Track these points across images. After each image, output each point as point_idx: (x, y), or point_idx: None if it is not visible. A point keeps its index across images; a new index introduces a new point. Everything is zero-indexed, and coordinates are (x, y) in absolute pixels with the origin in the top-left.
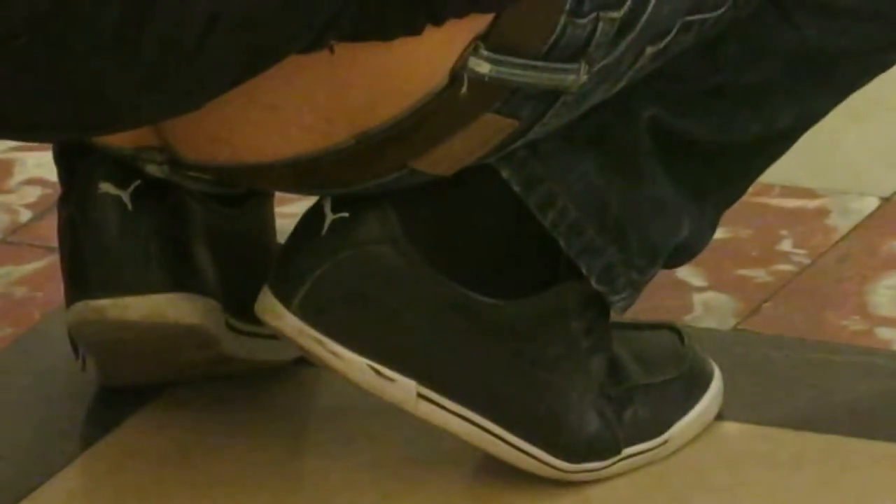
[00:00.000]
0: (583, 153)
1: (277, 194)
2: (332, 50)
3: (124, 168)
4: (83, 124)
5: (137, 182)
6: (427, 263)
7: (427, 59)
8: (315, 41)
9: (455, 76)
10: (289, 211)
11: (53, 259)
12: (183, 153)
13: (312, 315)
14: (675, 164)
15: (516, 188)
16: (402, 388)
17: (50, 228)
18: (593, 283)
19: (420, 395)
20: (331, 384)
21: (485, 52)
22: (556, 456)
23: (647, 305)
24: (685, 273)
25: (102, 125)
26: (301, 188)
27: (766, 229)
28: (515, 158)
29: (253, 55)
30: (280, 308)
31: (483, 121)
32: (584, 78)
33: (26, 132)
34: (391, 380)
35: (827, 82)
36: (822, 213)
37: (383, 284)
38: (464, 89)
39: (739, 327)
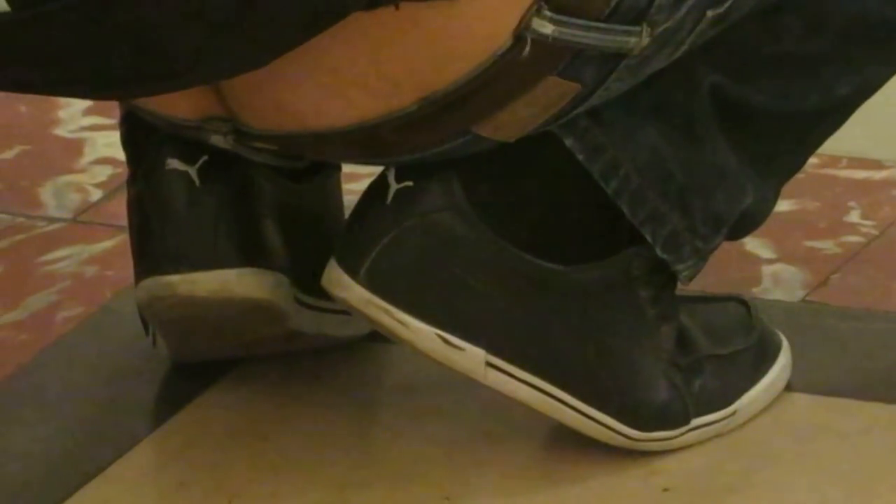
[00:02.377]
0: (645, 121)
1: (344, 170)
2: (396, 6)
3: (191, 144)
4: (141, 77)
5: (204, 157)
6: (492, 231)
7: (490, 19)
8: None
9: (518, 37)
10: (356, 188)
11: (124, 238)
12: (248, 121)
13: (379, 285)
14: (737, 132)
15: (579, 156)
16: (471, 357)
17: (120, 207)
18: (658, 250)
19: (489, 364)
20: (400, 359)
21: (548, 13)
22: (627, 424)
23: (716, 279)
24: (753, 245)
25: (161, 79)
26: (364, 157)
27: (833, 201)
28: (578, 127)
29: (316, 10)
30: (347, 279)
31: (546, 84)
32: (645, 41)
33: (84, 87)
34: (460, 348)
35: (885, 52)
36: (890, 183)
37: (449, 253)
38: (527, 50)
39: (808, 299)
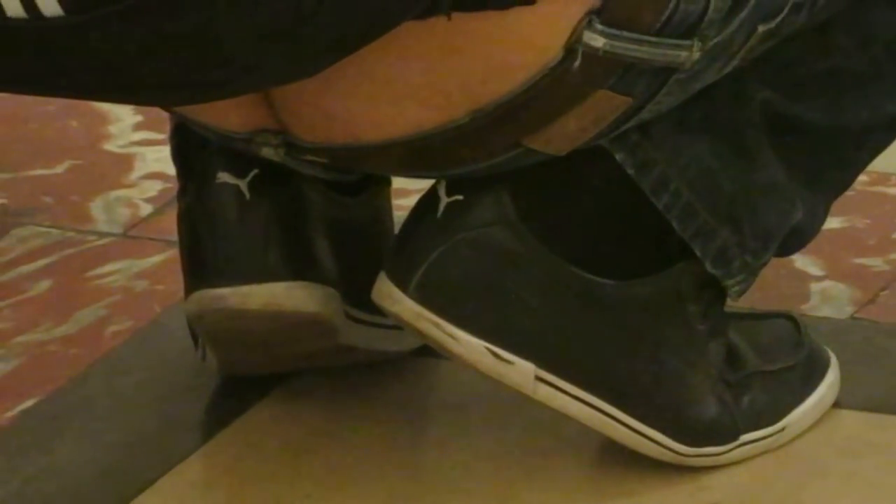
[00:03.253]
0: (695, 136)
1: (394, 186)
2: (448, 16)
3: (241, 158)
4: (197, 84)
5: (255, 171)
6: (542, 245)
7: (542, 31)
8: (432, 5)
9: (570, 50)
10: (406, 203)
11: (174, 253)
12: (299, 134)
13: (429, 298)
14: (787, 148)
15: (630, 171)
16: (521, 371)
17: (170, 222)
18: (708, 266)
19: (538, 378)
20: (450, 374)
21: (599, 26)
22: (676, 440)
23: (765, 295)
24: (802, 262)
25: (216, 85)
26: (415, 170)
27: (883, 218)
28: (628, 141)
29: (369, 18)
30: (397, 293)
31: (597, 97)
32: (696, 55)
33: (138, 94)
34: (509, 362)
35: None
36: None
37: (499, 266)
38: (577, 63)
39: (856, 316)
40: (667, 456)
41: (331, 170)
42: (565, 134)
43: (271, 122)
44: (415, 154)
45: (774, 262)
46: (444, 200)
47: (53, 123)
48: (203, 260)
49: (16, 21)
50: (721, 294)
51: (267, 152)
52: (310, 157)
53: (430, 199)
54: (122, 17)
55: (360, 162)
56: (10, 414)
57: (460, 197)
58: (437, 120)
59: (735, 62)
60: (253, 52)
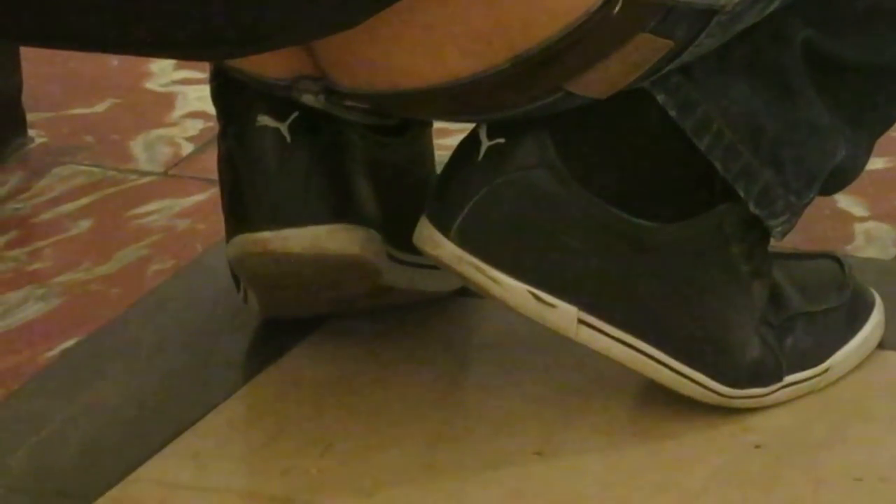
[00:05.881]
0: (737, 77)
1: (436, 126)
2: None
3: (282, 101)
4: (236, 40)
5: (295, 114)
6: (584, 188)
7: None
8: None
9: None
10: (448, 143)
11: (215, 192)
12: (339, 81)
13: (471, 242)
14: (829, 87)
15: (672, 112)
16: (563, 315)
17: (211, 161)
18: (751, 206)
19: (581, 321)
20: (492, 315)
21: None
22: (719, 381)
23: (808, 236)
24: (846, 203)
25: (255, 42)
26: (456, 115)
27: None
28: (670, 83)
29: None
30: (438, 236)
31: (638, 41)
32: None
33: (181, 48)
34: (552, 306)
35: None
36: None
37: (541, 209)
38: (618, 7)
39: None
40: (709, 397)
41: (371, 114)
42: (606, 78)
43: (311, 69)
44: (455, 100)
45: (818, 202)
46: (485, 144)
47: (94, 62)
48: (244, 203)
49: None
50: (764, 235)
51: (307, 99)
52: (350, 104)
53: (470, 142)
54: None
55: (400, 108)
56: (51, 353)
57: (501, 140)
58: (477, 66)
59: (776, 3)
60: (297, 5)
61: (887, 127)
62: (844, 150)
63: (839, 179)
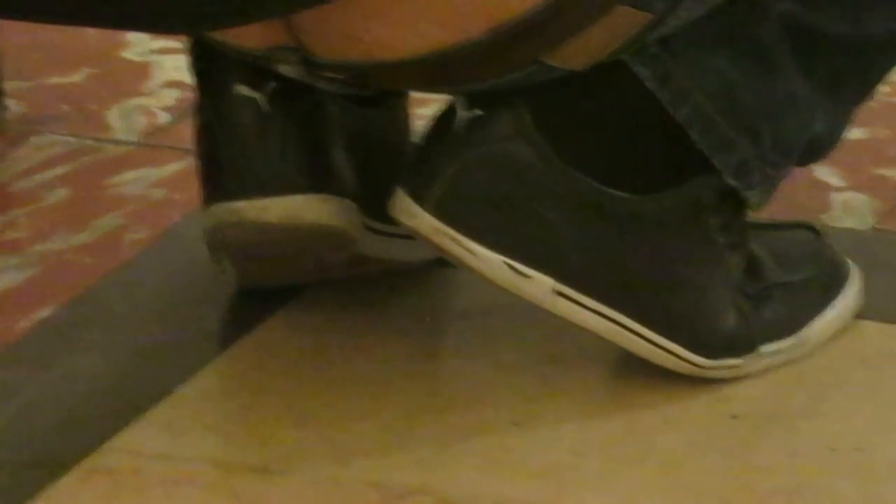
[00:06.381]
0: (715, 49)
1: (413, 95)
2: None
3: (259, 71)
4: (215, 13)
5: (273, 84)
6: (561, 159)
7: None
8: None
9: None
10: (425, 113)
11: (191, 161)
12: (317, 52)
13: (447, 213)
14: (808, 58)
15: (649, 84)
16: (539, 286)
17: (188, 131)
18: (728, 178)
19: (557, 292)
20: (468, 285)
21: None
22: (694, 351)
23: (785, 205)
24: (823, 173)
25: (234, 14)
26: (434, 86)
27: None
28: (648, 54)
29: None
30: (415, 207)
31: (617, 13)
32: None
33: (156, 23)
34: (528, 277)
35: None
36: None
37: (518, 181)
38: None
39: (878, 226)
40: (685, 368)
41: (349, 85)
42: (584, 50)
43: (289, 39)
44: (433, 71)
45: (795, 172)
46: (463, 115)
47: (71, 31)
48: (220, 172)
49: None
50: (741, 206)
51: (285, 69)
52: (328, 74)
53: (448, 113)
54: None
55: (378, 79)
56: (26, 323)
57: (479, 111)
58: (454, 38)
59: None
60: None
61: (865, 99)
62: (822, 121)
63: (816, 151)
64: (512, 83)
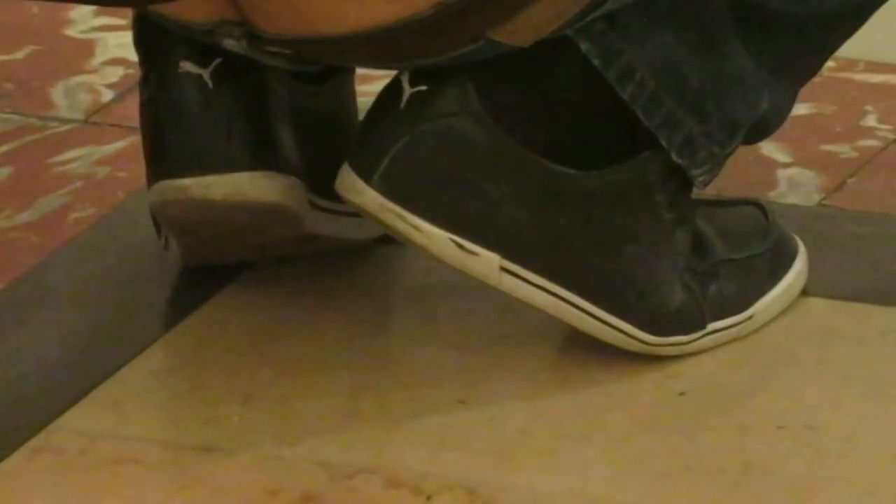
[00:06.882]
0: (661, 26)
1: (358, 73)
2: None
3: (204, 47)
4: None
5: (217, 60)
6: (506, 135)
7: None
8: None
9: None
10: (370, 90)
11: (136, 139)
12: (261, 26)
13: (393, 189)
14: (754, 37)
15: (595, 61)
16: (485, 262)
17: (132, 108)
18: (673, 155)
19: (503, 269)
20: (414, 263)
21: None
22: (642, 329)
23: (731, 182)
24: (769, 149)
25: None
26: (379, 61)
27: (850, 105)
28: (594, 31)
29: None
30: (360, 184)
31: None
32: None
33: None
34: (474, 253)
35: None
36: None
37: (463, 157)
38: None
39: (824, 203)
40: (633, 345)
41: (294, 61)
42: (530, 25)
43: (233, 13)
44: (378, 46)
45: (741, 149)
46: (408, 91)
47: (13, 8)
48: (165, 150)
49: None
50: (687, 183)
51: (229, 44)
52: (272, 49)
53: (393, 89)
54: None
55: (322, 53)
56: None
57: (424, 87)
58: (400, 13)
59: None
60: None
61: (811, 75)
62: (768, 99)
63: (762, 129)
64: (458, 59)
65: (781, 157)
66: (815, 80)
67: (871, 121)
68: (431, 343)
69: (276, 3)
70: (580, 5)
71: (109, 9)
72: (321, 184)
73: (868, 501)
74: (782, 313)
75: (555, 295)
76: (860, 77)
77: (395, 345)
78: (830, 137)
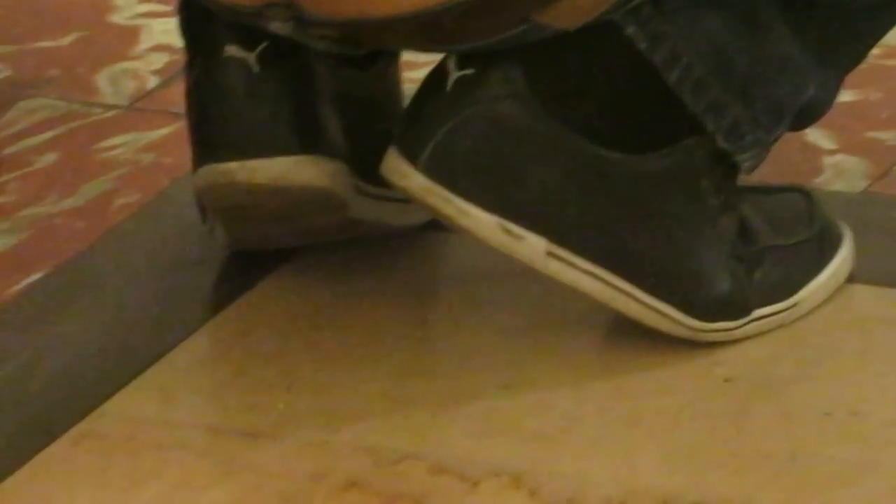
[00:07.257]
0: (708, 10)
1: (404, 59)
2: None
3: (249, 31)
4: None
5: (263, 44)
6: (552, 119)
7: None
8: None
9: None
10: (415, 76)
11: (180, 125)
12: (308, 8)
13: (439, 173)
14: (800, 22)
15: (641, 45)
16: (532, 246)
17: (176, 94)
18: (719, 141)
19: (550, 254)
20: (459, 249)
21: None
22: (688, 314)
23: (777, 169)
24: (815, 136)
25: None
26: (425, 44)
27: None
28: (640, 15)
29: None
30: (406, 167)
31: None
32: None
33: None
34: (520, 237)
35: None
36: None
37: (510, 140)
38: None
39: (869, 190)
40: (679, 331)
41: (340, 44)
42: (576, 8)
43: None
44: (423, 29)
45: (786, 135)
46: (454, 75)
47: None
48: (211, 134)
49: None
50: (733, 168)
51: (276, 26)
52: (319, 32)
53: (439, 73)
54: None
55: (368, 36)
56: (16, 288)
57: (470, 71)
58: None
59: None
60: None
61: (857, 62)
62: (814, 85)
63: (808, 115)
64: (503, 43)
65: (827, 143)
66: (861, 66)
67: None
68: (476, 328)
69: None
70: None
71: None
72: (366, 169)
73: None
74: (827, 300)
75: (601, 280)
76: None
77: (440, 330)
78: (876, 124)
